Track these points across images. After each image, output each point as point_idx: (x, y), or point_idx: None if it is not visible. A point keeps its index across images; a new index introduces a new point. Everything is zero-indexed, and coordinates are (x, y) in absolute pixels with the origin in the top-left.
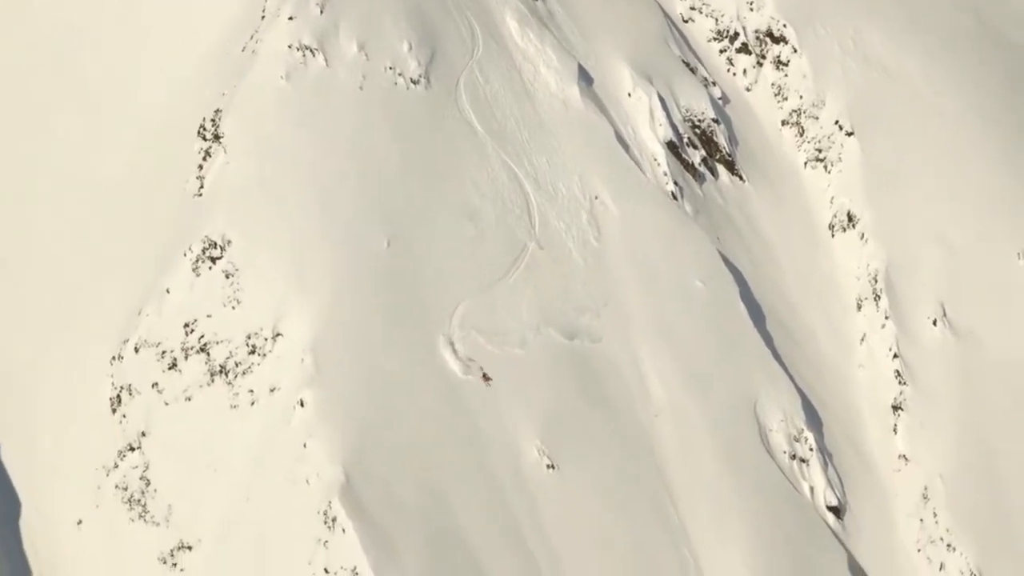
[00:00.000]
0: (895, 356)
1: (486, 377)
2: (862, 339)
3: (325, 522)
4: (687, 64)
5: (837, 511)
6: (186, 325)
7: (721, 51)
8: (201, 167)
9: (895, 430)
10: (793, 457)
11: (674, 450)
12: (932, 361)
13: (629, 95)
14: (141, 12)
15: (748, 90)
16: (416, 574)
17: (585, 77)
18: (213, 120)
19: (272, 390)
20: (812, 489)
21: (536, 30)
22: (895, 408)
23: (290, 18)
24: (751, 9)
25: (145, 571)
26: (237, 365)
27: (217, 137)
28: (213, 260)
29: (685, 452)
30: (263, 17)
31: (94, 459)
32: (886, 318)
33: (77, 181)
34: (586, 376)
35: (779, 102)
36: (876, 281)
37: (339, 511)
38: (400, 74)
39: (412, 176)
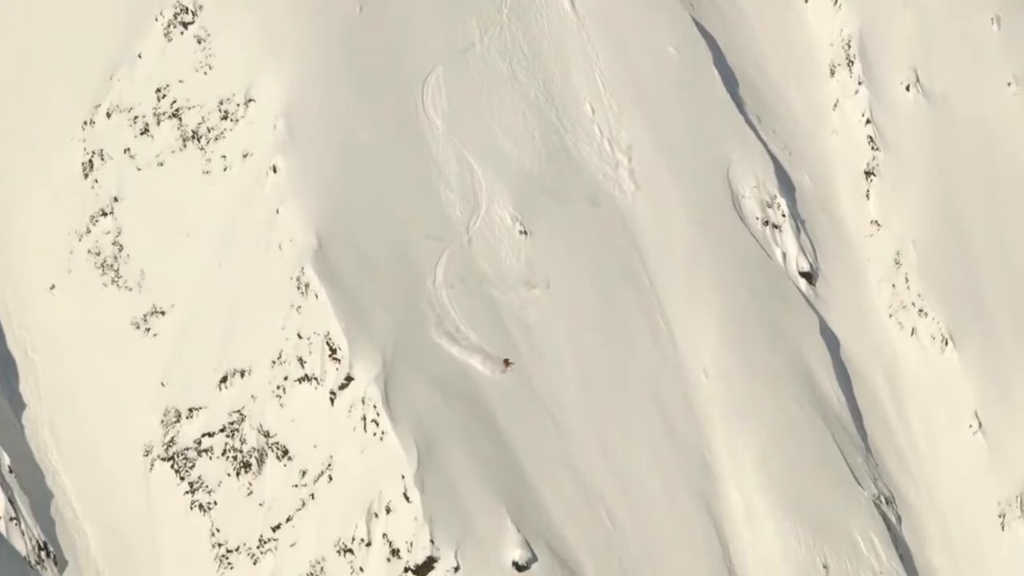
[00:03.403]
0: (868, 122)
1: (507, 362)
2: (835, 105)
3: (298, 288)
4: None
5: (809, 277)
6: (158, 90)
7: None
8: None
9: (867, 196)
10: (766, 223)
11: (647, 217)
12: (904, 126)
13: None
14: None
15: None
16: (388, 339)
17: None
18: None
19: (245, 156)
20: (784, 255)
21: None
22: (867, 174)
23: None
24: None
25: (118, 336)
26: (209, 131)
27: None
28: (185, 25)
29: (657, 219)
30: None
31: (66, 224)
32: (859, 84)
33: None
34: (558, 144)
35: None
36: (849, 47)
37: (311, 277)
38: None
39: None
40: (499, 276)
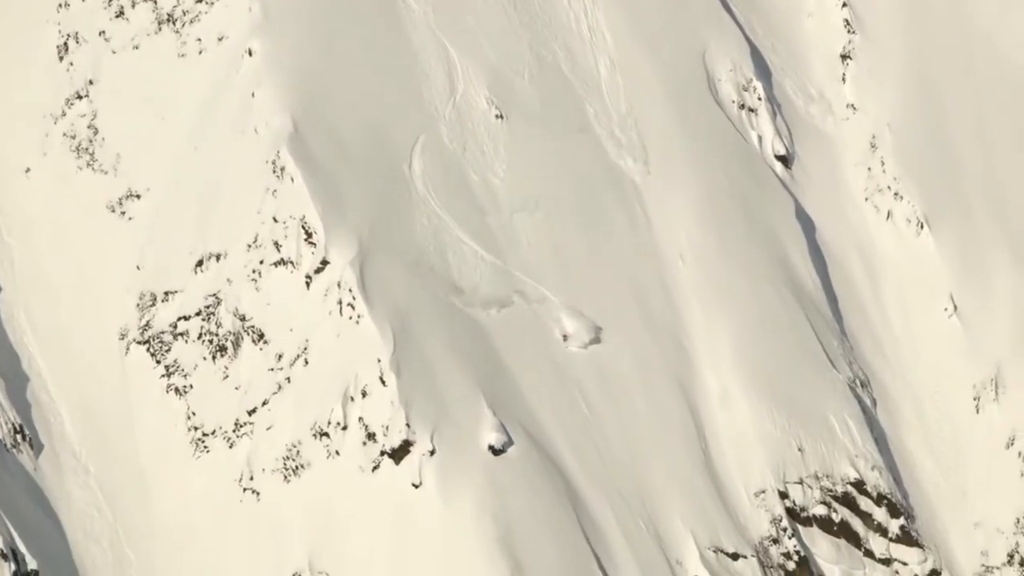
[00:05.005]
0: (844, 5)
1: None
2: None
3: (274, 171)
4: None
5: (785, 160)
6: None
7: None
8: None
9: (843, 79)
10: (742, 107)
11: (622, 101)
12: (881, 9)
13: None
14: None
15: None
16: (364, 223)
17: None
18: None
19: (220, 39)
20: (760, 139)
21: None
22: (844, 57)
23: None
24: None
25: (94, 219)
26: (184, 13)
27: None
28: None
29: (633, 103)
30: None
31: (41, 107)
32: None
33: None
34: (535, 28)
35: None
36: None
37: (287, 160)
38: None
39: None
40: (477, 163)
